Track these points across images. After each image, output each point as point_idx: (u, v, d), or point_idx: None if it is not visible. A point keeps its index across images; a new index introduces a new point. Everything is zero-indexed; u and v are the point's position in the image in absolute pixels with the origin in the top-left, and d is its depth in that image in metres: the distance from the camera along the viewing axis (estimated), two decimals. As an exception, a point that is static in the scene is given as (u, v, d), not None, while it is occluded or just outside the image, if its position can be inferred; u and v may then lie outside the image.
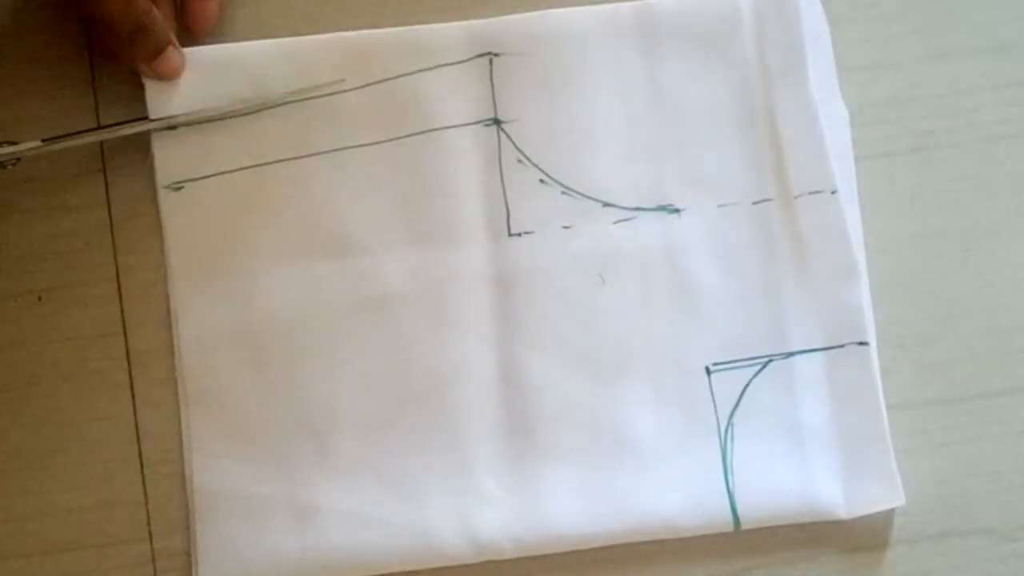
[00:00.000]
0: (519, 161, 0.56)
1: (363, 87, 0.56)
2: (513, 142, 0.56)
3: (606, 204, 0.56)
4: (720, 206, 0.56)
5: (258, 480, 0.54)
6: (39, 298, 0.55)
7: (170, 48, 0.54)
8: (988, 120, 0.57)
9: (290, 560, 0.53)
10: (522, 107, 0.56)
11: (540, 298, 0.55)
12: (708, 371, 0.55)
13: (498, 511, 0.54)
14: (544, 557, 0.54)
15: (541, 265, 0.55)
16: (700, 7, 0.57)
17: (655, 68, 0.57)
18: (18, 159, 0.54)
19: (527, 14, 0.56)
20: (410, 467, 0.54)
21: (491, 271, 0.56)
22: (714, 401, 0.55)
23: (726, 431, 0.54)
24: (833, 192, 0.55)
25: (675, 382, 0.55)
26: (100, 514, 0.54)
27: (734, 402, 0.55)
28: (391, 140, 0.56)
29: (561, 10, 0.57)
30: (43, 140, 0.54)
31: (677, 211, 0.56)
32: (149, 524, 0.54)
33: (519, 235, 0.56)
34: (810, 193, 0.55)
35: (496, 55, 0.56)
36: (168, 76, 0.55)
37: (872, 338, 0.55)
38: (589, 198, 0.56)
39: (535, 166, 0.56)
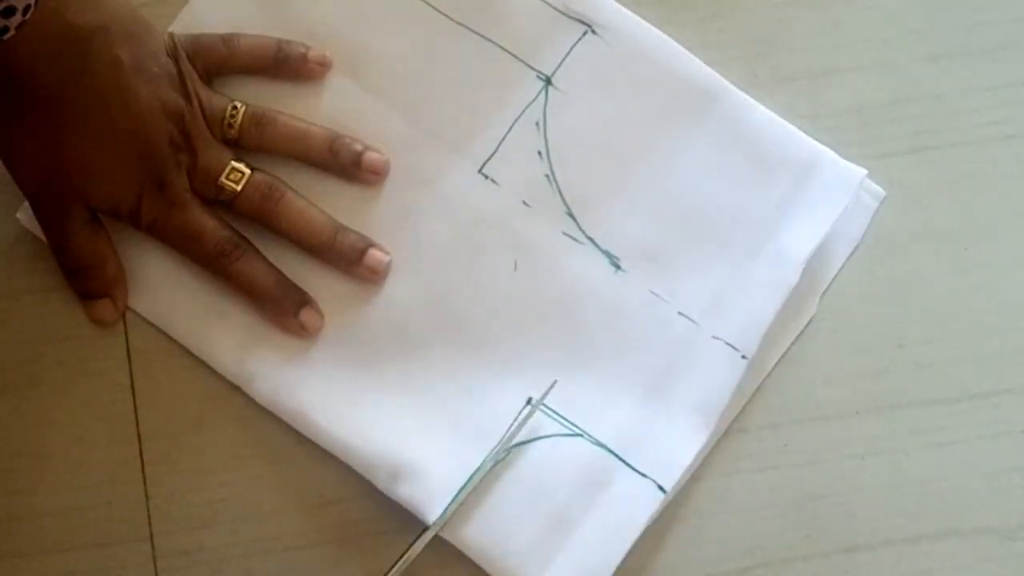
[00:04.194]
0: (536, 124, 0.57)
1: None
2: (545, 106, 0.57)
3: (570, 214, 0.56)
4: (652, 292, 0.55)
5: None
6: (40, 297, 0.55)
7: (107, 301, 0.55)
8: (988, 120, 0.58)
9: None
10: (577, 89, 0.57)
11: (456, 241, 0.56)
12: (528, 402, 0.54)
13: (282, 368, 0.54)
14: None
15: (482, 217, 0.56)
16: (774, 132, 0.56)
17: (703, 149, 0.57)
18: None
19: (640, 20, 0.57)
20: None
21: (443, 190, 0.56)
22: (512, 426, 0.53)
23: (497, 452, 0.53)
24: (744, 357, 0.54)
25: (499, 386, 0.54)
26: (100, 514, 0.54)
27: (524, 439, 0.54)
28: (459, 23, 0.57)
29: (668, 38, 0.57)
30: None
31: (618, 268, 0.56)
32: (149, 524, 0.54)
33: (485, 178, 0.56)
34: (726, 343, 0.55)
35: (592, 31, 0.57)
36: (95, 320, 0.55)
37: (672, 489, 0.53)
38: (563, 199, 0.56)
39: (544, 137, 0.57)
